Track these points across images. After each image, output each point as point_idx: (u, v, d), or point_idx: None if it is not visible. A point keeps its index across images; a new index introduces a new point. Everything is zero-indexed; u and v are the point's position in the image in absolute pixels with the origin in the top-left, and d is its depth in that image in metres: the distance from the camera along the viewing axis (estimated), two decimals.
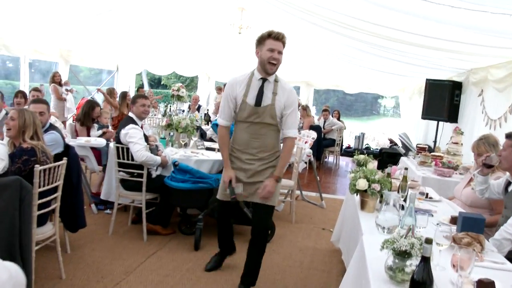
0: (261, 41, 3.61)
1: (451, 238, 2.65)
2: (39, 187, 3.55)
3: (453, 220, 3.42)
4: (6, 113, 5.32)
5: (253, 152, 3.75)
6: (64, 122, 8.99)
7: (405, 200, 3.61)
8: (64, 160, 3.88)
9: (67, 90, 10.50)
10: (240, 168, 3.79)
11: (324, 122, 12.43)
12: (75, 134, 6.87)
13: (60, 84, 10.59)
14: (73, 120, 10.26)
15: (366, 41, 7.08)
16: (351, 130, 17.13)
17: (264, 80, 3.67)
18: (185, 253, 4.85)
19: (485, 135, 4.61)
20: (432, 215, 3.65)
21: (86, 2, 7.61)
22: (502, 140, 4.00)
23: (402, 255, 2.13)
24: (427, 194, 4.35)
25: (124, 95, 9.14)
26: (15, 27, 8.62)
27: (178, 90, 7.38)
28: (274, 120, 3.68)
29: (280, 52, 3.58)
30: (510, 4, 3.68)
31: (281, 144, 3.85)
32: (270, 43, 3.55)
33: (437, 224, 3.30)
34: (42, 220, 3.80)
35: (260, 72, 3.67)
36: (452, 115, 8.18)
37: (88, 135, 6.75)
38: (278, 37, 3.55)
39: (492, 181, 3.89)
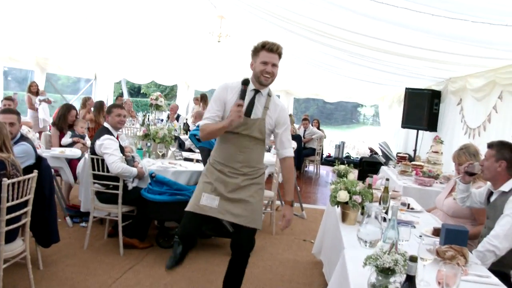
0: (255, 52, 3.35)
1: (435, 251, 2.59)
2: (8, 201, 3.40)
3: (436, 232, 3.37)
4: None
5: (237, 167, 3.42)
6: (40, 133, 8.76)
7: (386, 212, 3.55)
8: (35, 173, 3.73)
9: (40, 100, 10.25)
10: (221, 180, 3.43)
11: (304, 131, 12.40)
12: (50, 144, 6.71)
13: (36, 94, 10.37)
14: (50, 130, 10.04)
15: (345, 49, 7.06)
16: (331, 139, 17.13)
17: (256, 91, 3.39)
18: (162, 267, 4.69)
19: (466, 144, 4.61)
20: (414, 227, 3.60)
21: (63, 9, 7.45)
22: (482, 149, 3.98)
23: (386, 272, 2.05)
24: (408, 204, 4.31)
25: (100, 104, 8.93)
26: None
27: (156, 99, 7.28)
28: (262, 135, 3.40)
29: (274, 65, 3.31)
30: (490, 13, 3.66)
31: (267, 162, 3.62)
32: (264, 55, 3.29)
33: (420, 236, 3.25)
34: (11, 236, 3.63)
35: (254, 83, 3.38)
36: (431, 124, 8.22)
37: (60, 143, 6.60)
38: (272, 49, 3.29)
39: (473, 189, 3.86)
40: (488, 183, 3.71)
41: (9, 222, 3.47)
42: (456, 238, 2.83)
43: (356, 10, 4.77)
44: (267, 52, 3.29)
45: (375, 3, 4.16)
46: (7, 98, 7.40)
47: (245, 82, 3.30)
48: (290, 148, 3.52)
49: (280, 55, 3.34)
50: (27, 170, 3.85)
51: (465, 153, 4.41)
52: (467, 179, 3.77)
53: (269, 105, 3.42)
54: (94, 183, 5.02)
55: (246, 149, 3.42)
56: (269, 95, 3.46)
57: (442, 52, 5.54)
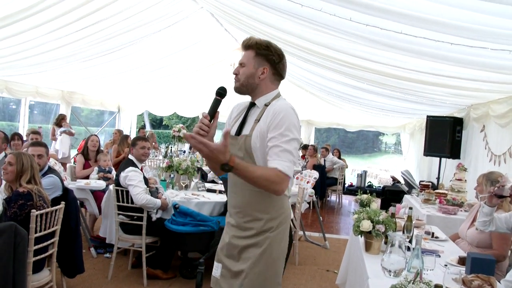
0: None
1: (461, 280, 2.56)
2: (36, 232, 3.48)
3: (461, 261, 3.32)
4: (5, 155, 5.27)
5: (232, 213, 2.57)
6: (64, 164, 8.92)
7: (410, 241, 3.51)
8: (62, 205, 3.82)
9: (61, 131, 10.44)
10: (222, 239, 2.63)
11: (324, 160, 12.34)
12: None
13: (60, 125, 10.58)
14: (74, 162, 10.19)
15: (366, 78, 7.11)
16: (353, 168, 17.04)
17: (252, 104, 2.58)
18: None
19: (491, 171, 4.58)
20: (439, 256, 3.55)
21: (88, 46, 7.69)
22: (510, 176, 3.92)
23: None
24: (433, 233, 4.26)
25: (125, 137, 9.07)
26: (19, 70, 8.71)
27: (179, 131, 7.36)
28: (249, 157, 2.41)
29: (242, 64, 2.53)
30: (509, 40, 3.68)
31: (276, 206, 2.47)
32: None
33: (445, 265, 3.21)
34: (39, 266, 3.71)
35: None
36: (454, 151, 8.13)
37: (83, 171, 6.80)
38: (243, 45, 2.57)
39: (496, 214, 3.78)
40: None
41: (36, 252, 3.55)
42: (483, 267, 2.78)
43: (377, 40, 4.83)
44: (242, 51, 2.59)
45: (395, 33, 4.21)
46: (34, 132, 7.58)
47: (220, 92, 2.39)
48: (282, 160, 2.27)
49: (254, 48, 2.51)
50: (54, 201, 3.94)
51: (484, 177, 4.39)
52: (494, 201, 3.64)
53: (261, 116, 2.47)
54: (119, 214, 5.09)
55: (237, 187, 2.51)
56: (266, 104, 2.51)
57: (462, 79, 5.55)
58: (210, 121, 2.28)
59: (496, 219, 3.72)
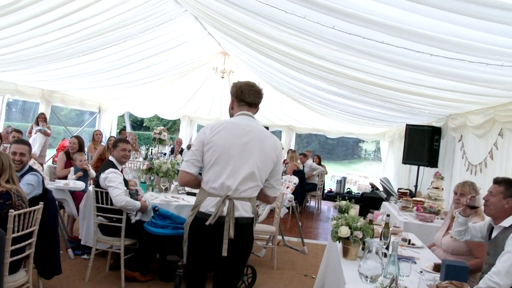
0: None
1: (435, 287, 2.62)
2: (13, 232, 3.44)
3: (436, 268, 3.39)
4: None
5: None
6: (41, 164, 8.83)
7: (387, 248, 3.57)
8: (41, 205, 3.79)
9: (37, 130, 10.29)
10: None
11: (303, 166, 12.38)
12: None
13: (38, 124, 10.45)
14: (53, 162, 10.09)
15: (347, 85, 7.19)
16: (332, 174, 17.15)
17: None
18: None
19: (471, 181, 4.68)
20: (415, 262, 3.62)
21: (69, 45, 7.64)
22: (486, 185, 4.00)
23: None
24: (409, 240, 4.33)
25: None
26: None
27: (160, 133, 7.33)
28: None
29: None
30: (486, 54, 3.77)
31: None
32: None
33: (421, 272, 3.27)
34: (15, 267, 3.66)
35: None
36: (432, 160, 8.25)
37: (65, 177, 6.71)
38: None
39: (470, 224, 3.86)
40: (488, 218, 3.72)
41: (13, 253, 3.50)
42: (457, 274, 2.85)
43: (359, 49, 4.89)
44: None
45: (376, 42, 4.28)
46: (16, 131, 7.53)
47: None
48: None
49: None
50: (33, 201, 3.90)
51: (470, 186, 4.47)
52: (468, 212, 3.74)
53: None
54: (98, 215, 5.06)
55: None
56: None
57: (441, 90, 5.65)
58: None
59: (471, 229, 3.80)
